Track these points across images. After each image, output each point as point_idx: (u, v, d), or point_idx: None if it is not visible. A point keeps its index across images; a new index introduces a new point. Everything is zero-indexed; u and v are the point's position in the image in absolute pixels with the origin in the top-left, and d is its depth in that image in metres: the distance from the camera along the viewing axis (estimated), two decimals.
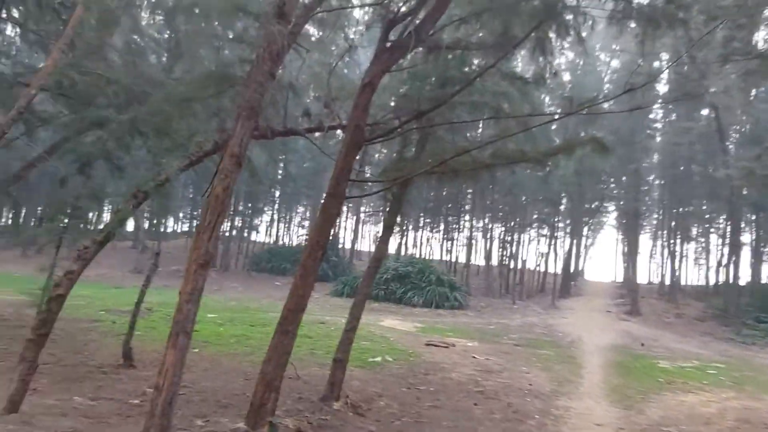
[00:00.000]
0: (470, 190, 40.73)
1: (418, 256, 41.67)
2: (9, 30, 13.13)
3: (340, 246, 44.20)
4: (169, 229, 60.85)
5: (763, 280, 34.75)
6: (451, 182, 7.76)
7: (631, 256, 34.10)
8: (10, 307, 14.77)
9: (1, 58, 11.91)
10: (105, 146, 7.76)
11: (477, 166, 7.15)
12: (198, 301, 4.50)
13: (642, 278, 37.64)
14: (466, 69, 9.04)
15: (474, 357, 14.09)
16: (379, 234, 9.70)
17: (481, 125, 13.26)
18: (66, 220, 6.99)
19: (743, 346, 22.36)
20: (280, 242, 47.54)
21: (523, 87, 10.03)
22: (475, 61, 8.91)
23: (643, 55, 10.77)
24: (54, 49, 8.35)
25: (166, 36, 11.54)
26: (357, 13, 11.02)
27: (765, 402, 10.68)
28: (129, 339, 9.49)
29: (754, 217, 33.56)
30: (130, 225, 49.49)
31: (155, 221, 48.85)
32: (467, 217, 43.00)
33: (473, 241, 42.02)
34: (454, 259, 42.87)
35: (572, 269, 39.45)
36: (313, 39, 12.91)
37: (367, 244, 50.68)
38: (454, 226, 44.45)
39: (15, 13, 12.29)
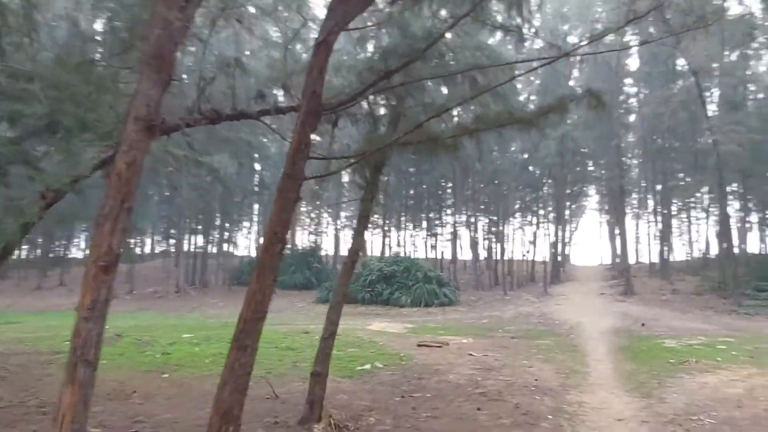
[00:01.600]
0: (450, 184, 39.90)
1: (402, 255, 40.69)
2: None
3: (323, 253, 43.10)
4: (147, 250, 59.18)
5: (749, 249, 34.54)
6: (431, 154, 6.65)
7: (620, 235, 33.44)
8: None
9: None
10: (20, 145, 6.51)
11: (459, 133, 6.08)
12: (103, 317, 3.32)
13: (630, 258, 37.08)
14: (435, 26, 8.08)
15: (470, 354, 13.04)
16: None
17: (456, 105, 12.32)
18: None
19: (747, 318, 21.71)
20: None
21: (497, 58, 9.15)
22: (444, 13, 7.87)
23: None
24: None
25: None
26: None
27: None
28: None
29: (736, 186, 33.17)
30: None
31: (128, 242, 47.21)
32: (449, 211, 42.14)
33: (458, 236, 41.15)
34: (439, 256, 41.98)
35: (560, 255, 38.77)
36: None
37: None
38: (437, 222, 43.59)
39: None
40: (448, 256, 41.64)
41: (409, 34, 8.46)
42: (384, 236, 41.04)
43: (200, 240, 42.93)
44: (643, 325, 19.03)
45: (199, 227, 42.60)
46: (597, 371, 11.16)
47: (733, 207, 34.36)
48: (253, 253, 46.16)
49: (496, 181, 35.78)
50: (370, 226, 41.84)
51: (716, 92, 30.61)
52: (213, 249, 43.94)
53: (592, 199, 48.75)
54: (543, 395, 8.94)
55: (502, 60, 9.38)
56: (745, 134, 24.15)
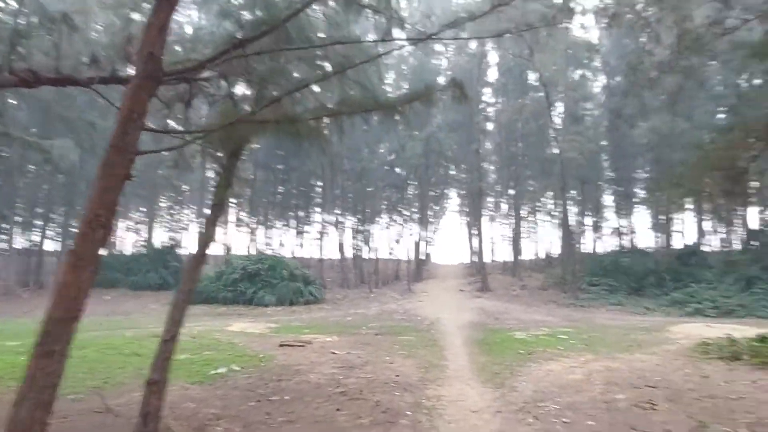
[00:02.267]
0: (320, 183, 39.49)
1: (269, 253, 39.43)
2: None
3: (186, 252, 40.24)
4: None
5: (585, 249, 38.69)
6: (293, 136, 6.14)
7: (477, 236, 35.50)
8: None
9: None
10: None
11: (321, 114, 5.67)
12: None
13: (486, 257, 39.63)
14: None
15: (333, 353, 12.71)
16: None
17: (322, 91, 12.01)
18: None
19: (582, 309, 24.15)
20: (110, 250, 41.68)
21: (366, 47, 9.04)
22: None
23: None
24: None
25: None
26: None
27: (621, 361, 10.79)
28: None
29: (575, 192, 36.93)
30: None
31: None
32: (318, 210, 41.71)
33: (326, 234, 40.88)
34: (307, 255, 41.37)
35: (423, 254, 40.21)
36: None
37: (213, 247, 46.83)
38: (306, 220, 42.93)
39: None
40: (316, 254, 41.22)
41: (274, 11, 7.96)
42: (251, 234, 39.46)
43: (36, 235, 37.67)
44: (497, 319, 20.19)
45: (36, 221, 37.40)
46: (455, 364, 11.43)
47: (572, 211, 38.23)
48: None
49: (364, 181, 36.13)
50: (237, 223, 39.96)
51: (561, 106, 33.90)
52: (54, 246, 38.86)
53: (453, 200, 51.42)
54: (403, 391, 8.86)
55: (370, 51, 9.24)
56: (584, 144, 26.98)
